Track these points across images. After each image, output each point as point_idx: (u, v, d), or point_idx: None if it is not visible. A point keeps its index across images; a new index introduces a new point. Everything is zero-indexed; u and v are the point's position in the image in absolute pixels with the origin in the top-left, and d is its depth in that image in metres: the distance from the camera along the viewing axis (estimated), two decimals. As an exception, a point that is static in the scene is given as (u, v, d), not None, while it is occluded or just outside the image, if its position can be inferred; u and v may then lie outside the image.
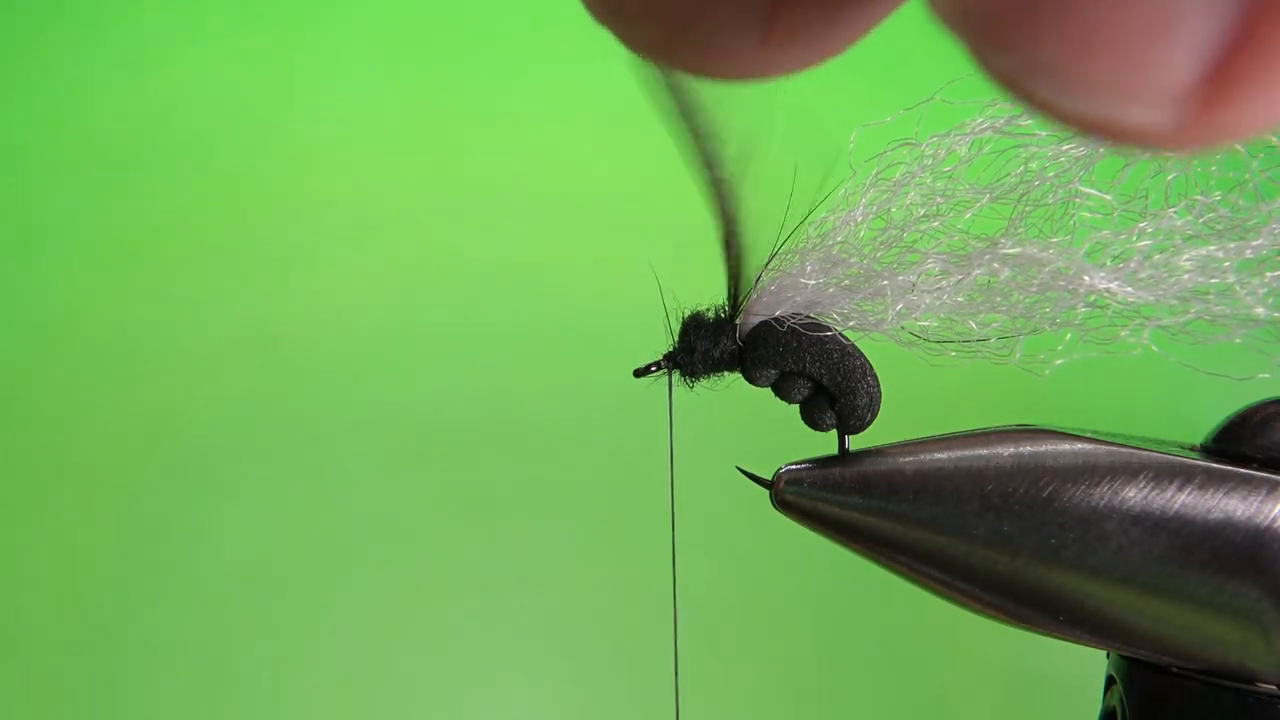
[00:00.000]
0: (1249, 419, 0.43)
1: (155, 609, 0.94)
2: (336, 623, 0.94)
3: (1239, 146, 0.39)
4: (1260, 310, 0.37)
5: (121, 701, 0.93)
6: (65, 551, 0.93)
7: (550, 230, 1.02)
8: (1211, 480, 0.40)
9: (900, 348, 0.43)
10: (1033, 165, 0.41)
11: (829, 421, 0.45)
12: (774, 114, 0.39)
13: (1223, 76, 0.15)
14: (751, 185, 0.42)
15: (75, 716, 0.92)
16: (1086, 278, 0.38)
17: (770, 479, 0.45)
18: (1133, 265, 0.38)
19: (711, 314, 0.46)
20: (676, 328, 0.47)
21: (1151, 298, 0.38)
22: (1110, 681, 0.48)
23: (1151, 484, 0.41)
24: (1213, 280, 0.37)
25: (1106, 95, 0.16)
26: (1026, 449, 0.42)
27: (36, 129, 1.01)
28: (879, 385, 0.45)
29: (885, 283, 0.42)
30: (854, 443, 0.45)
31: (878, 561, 0.44)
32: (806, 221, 0.43)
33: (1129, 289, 0.37)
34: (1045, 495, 0.41)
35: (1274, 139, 0.39)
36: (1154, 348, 0.39)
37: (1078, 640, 0.43)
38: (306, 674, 0.94)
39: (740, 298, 0.45)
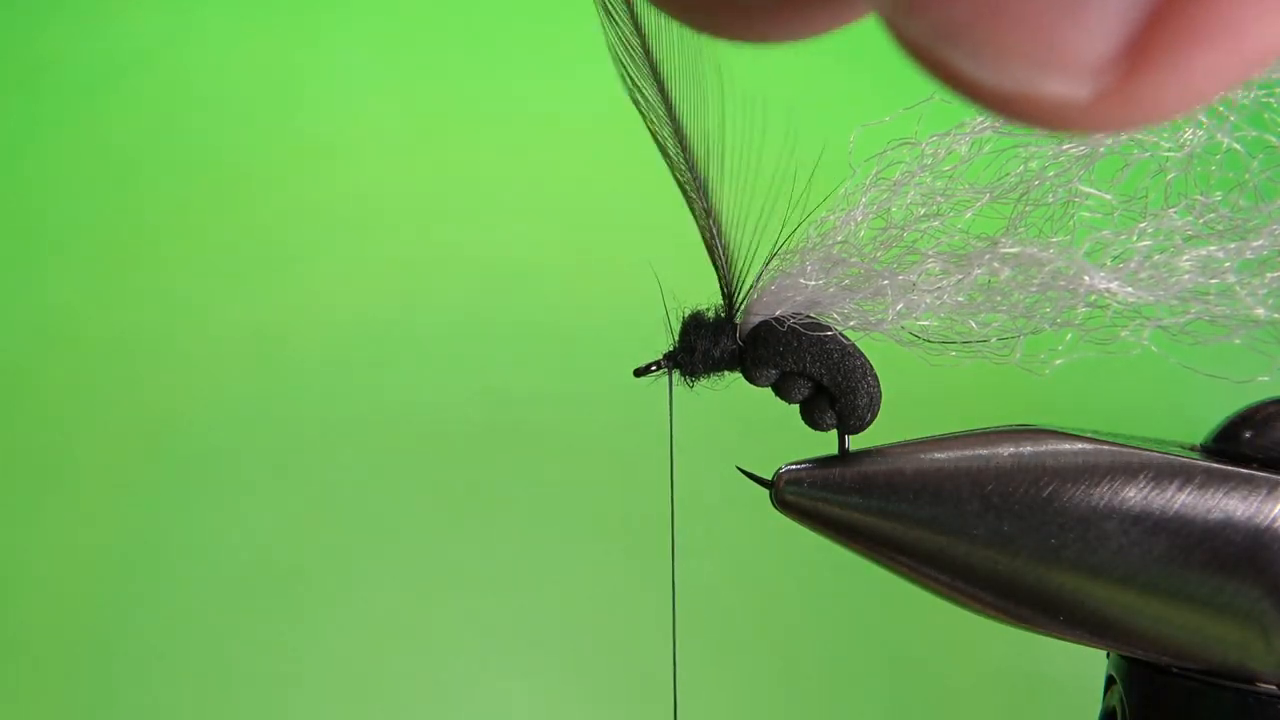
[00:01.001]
0: (1249, 419, 0.43)
1: (155, 609, 0.94)
2: (337, 622, 0.94)
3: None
4: (1260, 311, 0.37)
5: (122, 702, 0.92)
6: (65, 551, 0.93)
7: (550, 230, 1.02)
8: (1211, 480, 0.40)
9: (900, 348, 0.43)
10: (1033, 165, 0.41)
11: (829, 421, 0.45)
12: (770, 111, 0.39)
13: (1143, 48, 0.15)
14: (737, 184, 0.42)
15: (75, 717, 0.92)
16: (1086, 278, 0.38)
17: (770, 479, 0.45)
18: (1133, 265, 0.38)
19: (712, 314, 0.46)
20: (676, 327, 0.47)
21: (1151, 298, 0.38)
22: (1110, 681, 0.48)
23: (1151, 484, 0.41)
24: (1213, 280, 0.37)
25: (1022, 64, 0.15)
26: (1026, 449, 0.42)
27: (36, 129, 1.01)
28: (879, 385, 0.45)
29: (885, 282, 0.42)
30: (854, 443, 0.45)
31: (878, 561, 0.44)
32: (806, 221, 0.43)
33: (1129, 289, 0.37)
34: (1045, 495, 0.41)
35: (1273, 139, 0.39)
36: (1154, 348, 0.39)
37: (1078, 640, 0.43)
38: (307, 673, 0.94)
39: (736, 297, 0.45)
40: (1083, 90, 0.15)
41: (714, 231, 0.43)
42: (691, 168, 0.41)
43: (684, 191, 0.42)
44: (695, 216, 0.43)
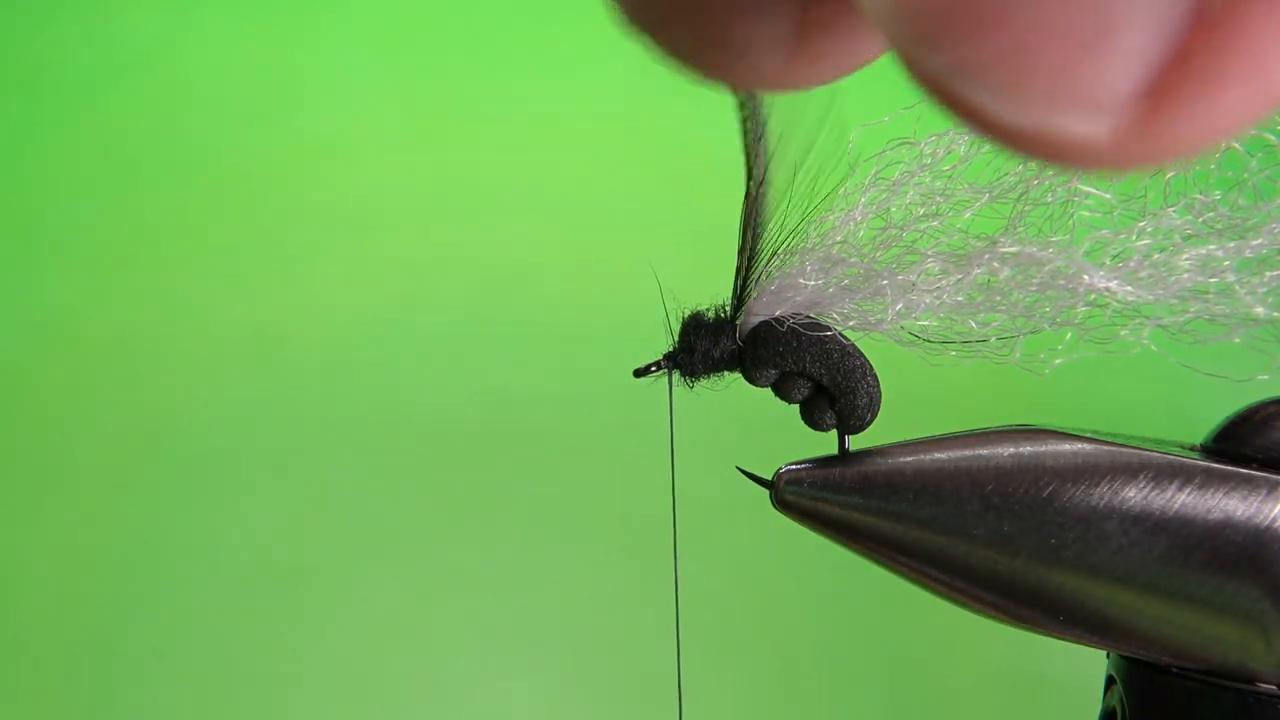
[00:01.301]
0: (1249, 419, 0.43)
1: (155, 609, 0.94)
2: (337, 622, 0.94)
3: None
4: (1260, 310, 0.37)
5: (122, 702, 0.92)
6: (65, 551, 0.93)
7: (550, 230, 1.02)
8: (1211, 480, 0.40)
9: (900, 348, 0.43)
10: (1032, 164, 0.41)
11: (829, 421, 0.45)
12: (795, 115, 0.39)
13: (1165, 85, 0.14)
14: (781, 187, 0.42)
15: (75, 717, 0.92)
16: (1086, 277, 0.38)
17: (770, 479, 0.45)
18: (1132, 264, 0.38)
19: (711, 314, 0.46)
20: (676, 328, 0.47)
21: (1151, 297, 0.38)
22: (1110, 681, 0.48)
23: (1151, 484, 0.41)
24: (1212, 279, 0.37)
25: (1041, 101, 0.15)
26: (1026, 449, 0.42)
27: (36, 129, 1.01)
28: (879, 385, 0.45)
29: (885, 282, 0.41)
30: (854, 443, 0.45)
31: (878, 562, 0.44)
32: (806, 221, 0.43)
33: (1129, 288, 0.37)
34: (1045, 495, 0.41)
35: (1272, 138, 0.39)
36: (1154, 347, 0.39)
37: (1078, 640, 0.43)
38: (307, 673, 0.94)
39: (742, 297, 0.45)
40: (1103, 128, 0.15)
41: (754, 232, 0.43)
42: (761, 167, 0.41)
43: (747, 184, 0.42)
44: (746, 209, 0.43)
